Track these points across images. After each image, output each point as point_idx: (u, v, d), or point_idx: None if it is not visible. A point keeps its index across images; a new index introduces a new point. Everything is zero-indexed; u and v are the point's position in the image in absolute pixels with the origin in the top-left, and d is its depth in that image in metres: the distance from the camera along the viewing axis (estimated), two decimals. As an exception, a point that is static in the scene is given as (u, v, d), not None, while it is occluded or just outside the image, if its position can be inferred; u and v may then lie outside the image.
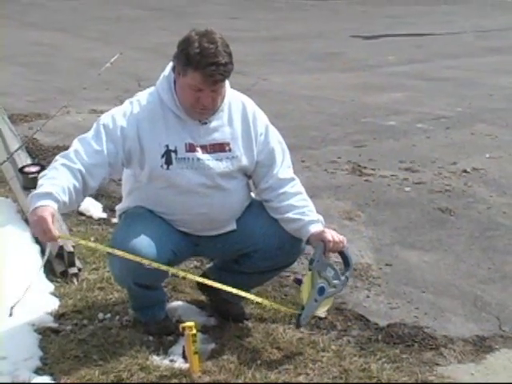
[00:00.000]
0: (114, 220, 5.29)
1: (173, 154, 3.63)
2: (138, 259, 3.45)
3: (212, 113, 3.66)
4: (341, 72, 12.28)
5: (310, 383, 3.47)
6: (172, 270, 3.60)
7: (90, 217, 5.57)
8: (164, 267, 3.52)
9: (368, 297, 4.41)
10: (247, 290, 4.03)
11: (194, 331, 3.45)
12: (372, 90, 10.79)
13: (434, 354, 3.79)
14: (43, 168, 5.33)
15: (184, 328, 3.46)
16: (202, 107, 3.59)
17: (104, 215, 5.61)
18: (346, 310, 4.22)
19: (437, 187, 6.37)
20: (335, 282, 3.71)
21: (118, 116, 3.64)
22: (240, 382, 3.45)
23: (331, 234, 3.66)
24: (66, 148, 7.38)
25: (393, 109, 9.51)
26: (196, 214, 3.71)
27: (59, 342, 3.80)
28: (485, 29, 17.63)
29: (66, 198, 3.43)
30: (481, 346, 3.88)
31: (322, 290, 3.68)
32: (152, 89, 3.76)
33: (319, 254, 3.65)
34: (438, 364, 3.70)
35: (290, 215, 3.75)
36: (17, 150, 5.71)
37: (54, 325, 3.98)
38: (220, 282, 3.98)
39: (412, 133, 8.31)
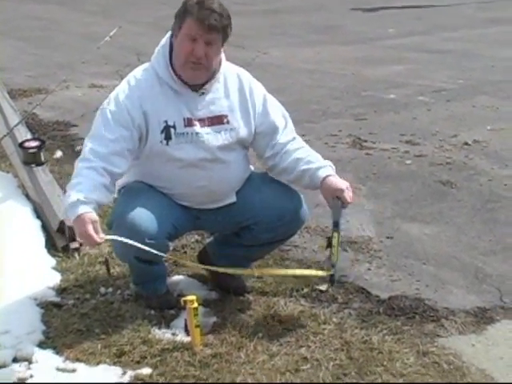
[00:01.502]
0: (115, 196, 5.29)
1: (172, 130, 3.63)
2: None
3: (206, 72, 3.64)
4: (341, 45, 12.26)
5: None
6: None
7: (90, 191, 5.57)
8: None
9: (369, 269, 4.42)
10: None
11: (196, 305, 3.46)
12: (372, 62, 10.76)
13: (435, 325, 3.80)
14: (43, 143, 5.35)
15: (185, 302, 3.47)
16: (195, 60, 3.57)
17: (105, 191, 5.61)
18: (347, 283, 4.22)
19: (438, 160, 6.36)
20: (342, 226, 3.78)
21: (120, 98, 3.63)
22: (242, 354, 3.46)
23: (349, 196, 3.68)
24: (66, 123, 7.48)
25: (393, 82, 9.49)
26: (196, 188, 3.71)
27: (62, 316, 3.82)
28: (485, 0, 17.54)
29: (96, 197, 3.48)
30: (482, 318, 3.89)
31: (340, 243, 3.77)
32: (146, 65, 3.75)
33: (339, 214, 3.71)
34: (439, 335, 3.71)
35: (298, 169, 3.76)
36: (16, 125, 5.70)
37: (57, 299, 4.00)
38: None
39: (413, 105, 8.29)
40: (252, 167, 3.98)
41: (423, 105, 8.32)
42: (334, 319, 3.80)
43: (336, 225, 3.71)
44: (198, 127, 3.66)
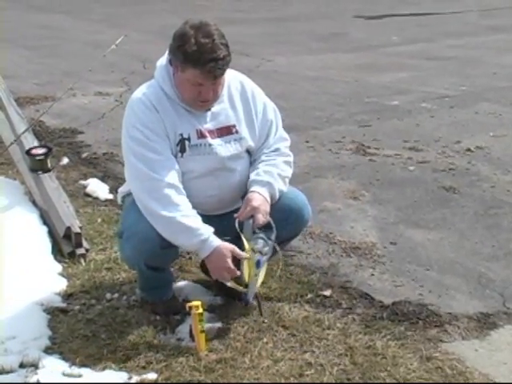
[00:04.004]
0: (119, 202, 5.32)
1: (186, 142, 3.65)
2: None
3: (214, 101, 3.68)
4: (344, 52, 12.29)
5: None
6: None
7: (96, 198, 5.61)
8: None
9: (373, 275, 4.44)
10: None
11: (201, 310, 3.48)
12: (376, 69, 10.79)
13: (439, 330, 3.81)
14: (50, 150, 5.38)
15: (190, 307, 3.49)
16: (204, 100, 3.61)
17: (110, 196, 5.63)
18: (350, 289, 4.24)
19: (441, 166, 6.38)
20: (265, 249, 3.71)
21: (143, 119, 3.60)
22: (246, 359, 3.48)
23: (262, 219, 3.66)
24: (73, 130, 7.54)
25: (397, 88, 9.51)
26: (206, 197, 3.73)
27: (68, 322, 3.85)
28: (489, 7, 17.57)
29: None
30: (485, 323, 3.90)
31: (258, 263, 3.69)
32: (152, 81, 3.73)
33: (250, 231, 3.66)
34: (442, 341, 3.72)
35: (250, 176, 3.80)
36: (23, 132, 5.74)
37: (63, 305, 4.02)
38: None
39: (416, 112, 8.31)
40: None
41: (426, 111, 8.34)
42: (338, 324, 3.82)
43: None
44: (209, 138, 3.69)
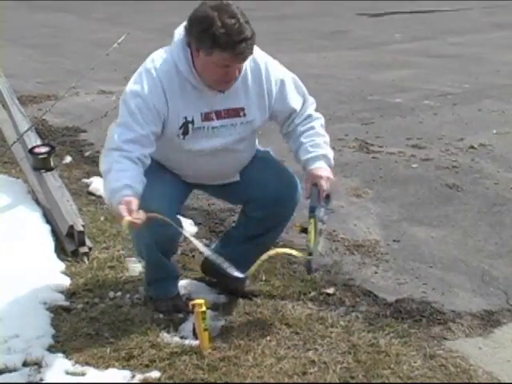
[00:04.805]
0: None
1: (190, 125, 3.61)
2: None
3: (236, 80, 3.60)
4: (347, 50, 12.29)
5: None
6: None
7: (99, 196, 5.59)
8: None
9: (376, 273, 4.44)
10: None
11: (204, 308, 3.48)
12: (378, 67, 10.79)
13: (442, 328, 3.81)
14: (53, 148, 5.38)
15: (194, 305, 3.50)
16: (229, 80, 3.53)
17: (114, 195, 5.62)
18: (354, 286, 4.24)
19: (444, 163, 6.38)
20: (325, 217, 3.68)
21: (145, 91, 3.53)
22: (250, 358, 3.48)
23: (325, 184, 3.63)
24: (75, 129, 7.53)
25: (399, 86, 9.51)
26: (205, 171, 3.76)
27: (71, 320, 3.85)
28: (491, 4, 17.55)
29: (140, 188, 3.41)
30: (488, 321, 3.90)
31: (320, 232, 3.67)
32: (166, 55, 3.61)
33: (317, 200, 3.63)
34: (446, 338, 3.72)
35: (298, 154, 3.78)
36: (26, 131, 5.73)
37: (66, 303, 4.02)
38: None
39: (419, 109, 8.31)
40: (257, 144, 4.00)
41: (429, 109, 8.34)
42: (342, 322, 3.82)
43: (312, 210, 3.62)
44: (214, 121, 3.64)
